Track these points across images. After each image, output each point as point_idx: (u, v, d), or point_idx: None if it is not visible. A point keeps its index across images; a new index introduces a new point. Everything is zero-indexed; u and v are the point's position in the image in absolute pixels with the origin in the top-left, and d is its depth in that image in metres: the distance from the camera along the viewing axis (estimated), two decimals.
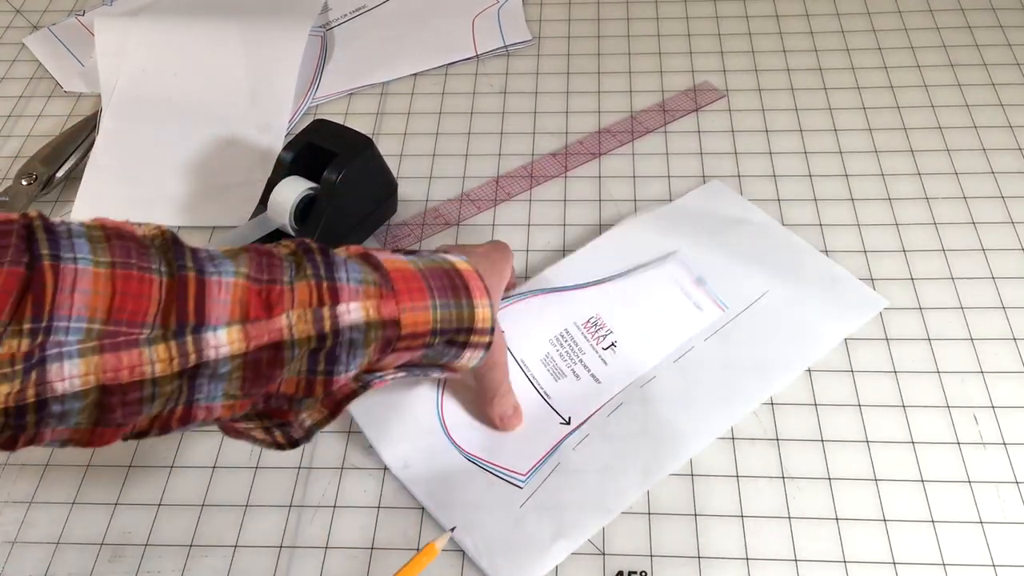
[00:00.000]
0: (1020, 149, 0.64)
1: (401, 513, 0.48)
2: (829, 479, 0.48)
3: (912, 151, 0.64)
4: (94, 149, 0.67)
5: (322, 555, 0.47)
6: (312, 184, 0.57)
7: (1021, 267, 0.57)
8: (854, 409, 0.50)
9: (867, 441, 0.49)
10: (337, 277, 0.36)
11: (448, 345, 0.41)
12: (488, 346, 0.43)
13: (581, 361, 0.51)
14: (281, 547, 0.47)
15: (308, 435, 0.39)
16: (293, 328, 0.34)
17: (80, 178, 0.65)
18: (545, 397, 0.50)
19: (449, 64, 0.74)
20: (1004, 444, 0.48)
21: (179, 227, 0.63)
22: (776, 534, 0.46)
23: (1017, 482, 0.47)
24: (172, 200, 0.65)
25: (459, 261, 0.42)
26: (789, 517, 0.46)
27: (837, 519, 0.46)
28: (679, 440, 0.48)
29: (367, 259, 0.39)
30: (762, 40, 0.74)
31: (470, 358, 0.43)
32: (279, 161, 0.59)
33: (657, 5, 0.79)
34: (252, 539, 0.47)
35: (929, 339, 0.53)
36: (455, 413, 0.50)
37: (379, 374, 0.40)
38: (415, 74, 0.73)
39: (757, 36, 0.75)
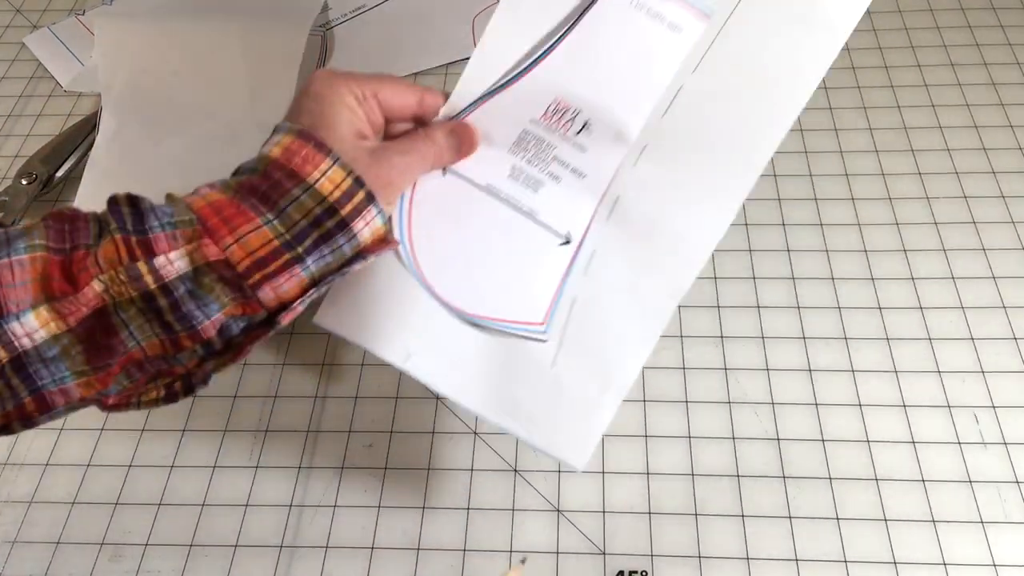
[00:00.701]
0: (1020, 148, 0.64)
1: (401, 512, 0.48)
2: (829, 479, 0.48)
3: (912, 150, 0.64)
4: (94, 149, 0.67)
5: (322, 555, 0.47)
6: None
7: (1021, 266, 0.56)
8: (854, 409, 0.50)
9: (867, 441, 0.49)
10: (149, 227, 0.31)
11: (326, 238, 0.33)
12: (370, 197, 0.34)
13: (555, 158, 0.41)
14: (281, 547, 0.47)
15: (206, 380, 0.34)
16: (110, 292, 0.31)
17: (80, 178, 0.65)
18: (531, 216, 0.41)
19: (449, 64, 0.73)
20: (1005, 444, 0.48)
21: None
22: (776, 534, 0.46)
23: (1018, 482, 0.47)
24: None
25: (273, 146, 0.34)
26: (789, 517, 0.46)
27: (837, 519, 0.46)
28: (698, 219, 0.40)
29: (178, 200, 0.34)
30: None
31: (369, 225, 0.35)
32: None
33: None
34: (252, 539, 0.47)
35: (929, 338, 0.53)
36: (440, 272, 0.41)
37: (284, 311, 0.34)
38: (415, 73, 0.73)
39: None
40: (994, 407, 0.50)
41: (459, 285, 0.40)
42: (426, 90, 0.40)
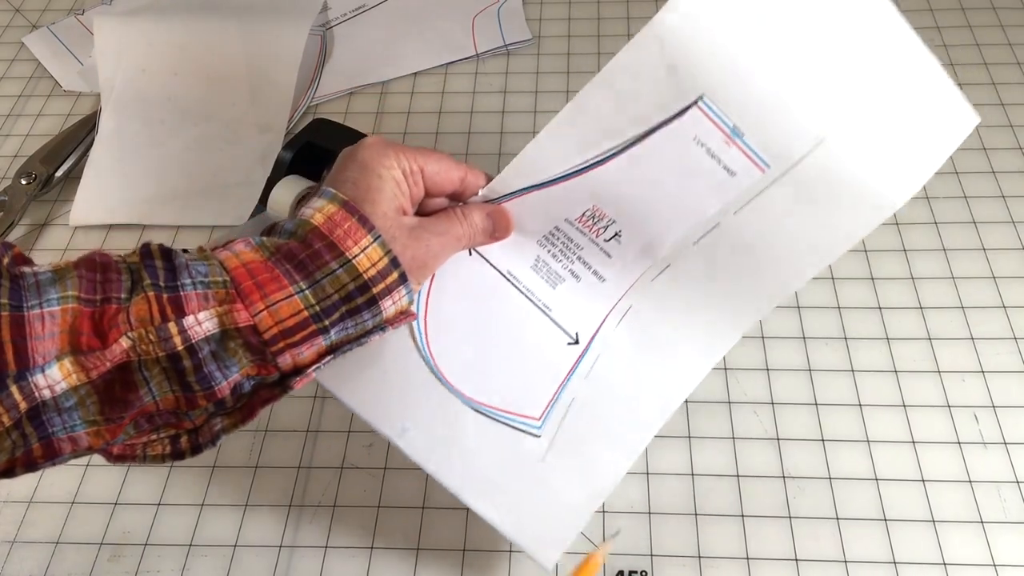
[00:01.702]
0: (1020, 148, 0.64)
1: (401, 512, 0.48)
2: (829, 479, 0.48)
3: None
4: (93, 148, 0.67)
5: (322, 555, 0.46)
6: (312, 184, 0.57)
7: (1021, 266, 0.56)
8: (854, 408, 0.50)
9: (867, 441, 0.49)
10: (181, 284, 0.31)
11: (353, 313, 0.34)
12: (403, 278, 0.35)
13: (579, 258, 0.42)
14: (281, 547, 0.47)
15: (214, 440, 0.34)
16: (137, 349, 0.31)
17: (79, 177, 0.65)
18: (545, 311, 0.42)
19: (449, 63, 0.73)
20: (1005, 443, 0.48)
21: (179, 227, 0.63)
22: (776, 534, 0.46)
23: (1018, 481, 0.47)
24: (172, 199, 0.64)
25: (315, 213, 0.34)
26: (789, 517, 0.46)
27: (837, 519, 0.46)
28: (698, 346, 0.42)
29: (211, 258, 0.33)
30: None
31: (395, 304, 0.35)
32: (279, 160, 0.59)
33: (657, 4, 0.79)
34: (252, 539, 0.47)
35: (929, 338, 0.53)
36: (448, 352, 0.41)
37: (297, 376, 0.34)
38: (415, 73, 0.73)
39: None
40: (994, 407, 0.50)
41: (464, 368, 0.41)
42: (469, 169, 0.40)
